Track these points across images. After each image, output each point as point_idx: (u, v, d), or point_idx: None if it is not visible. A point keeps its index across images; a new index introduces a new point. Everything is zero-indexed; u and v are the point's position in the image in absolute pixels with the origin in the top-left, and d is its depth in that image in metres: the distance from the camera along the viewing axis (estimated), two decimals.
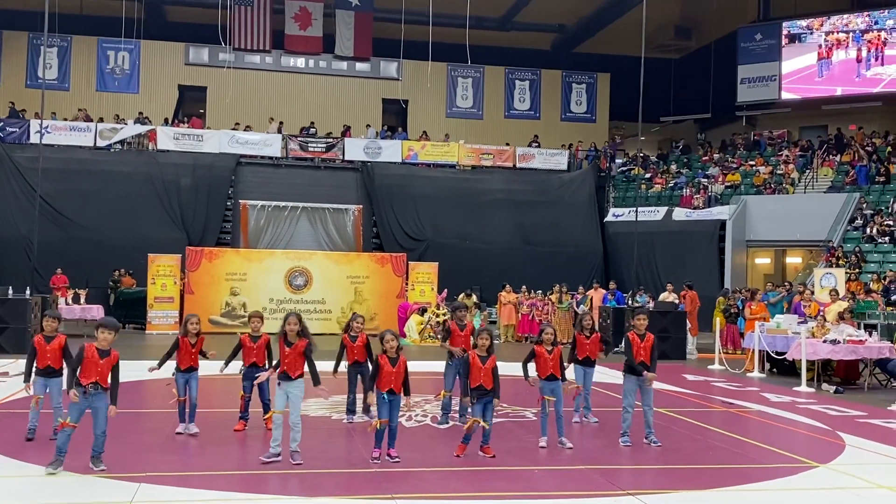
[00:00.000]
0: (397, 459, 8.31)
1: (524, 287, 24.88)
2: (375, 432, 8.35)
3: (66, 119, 32.19)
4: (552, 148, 35.52)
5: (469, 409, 8.93)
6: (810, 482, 8.14)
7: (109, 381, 7.83)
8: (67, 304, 22.21)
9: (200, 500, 7.09)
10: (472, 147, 34.65)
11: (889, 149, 31.54)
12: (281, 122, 34.37)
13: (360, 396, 9.85)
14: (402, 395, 8.34)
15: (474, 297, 24.18)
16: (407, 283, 25.39)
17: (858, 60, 34.10)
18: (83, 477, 7.57)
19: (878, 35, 33.79)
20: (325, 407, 11.50)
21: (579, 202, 33.31)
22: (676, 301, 21.67)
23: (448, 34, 33.68)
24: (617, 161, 36.75)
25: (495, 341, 24.42)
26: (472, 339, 10.51)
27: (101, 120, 32.91)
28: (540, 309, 23.87)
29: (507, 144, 35.22)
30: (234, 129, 33.17)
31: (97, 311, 23.14)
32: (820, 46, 34.98)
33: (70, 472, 7.67)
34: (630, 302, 22.78)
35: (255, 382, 9.14)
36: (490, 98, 39.10)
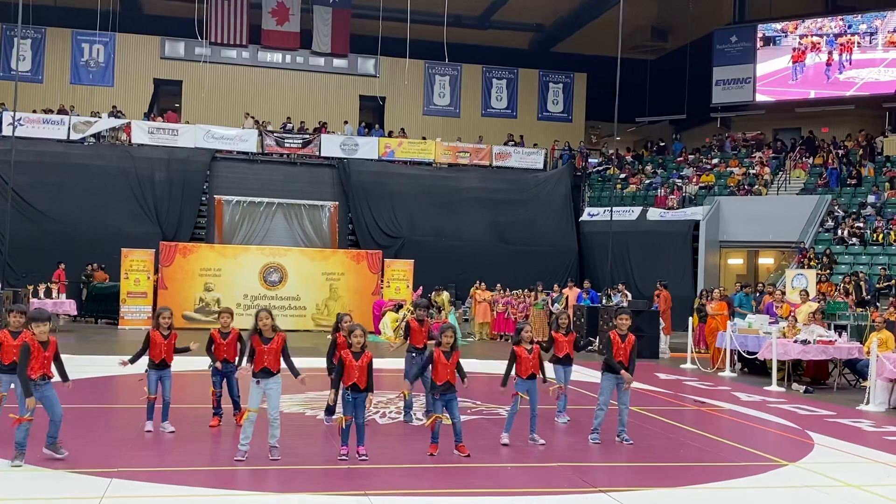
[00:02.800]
0: (365, 457, 8.27)
1: (499, 285, 24.93)
2: (341, 430, 8.33)
3: (35, 111, 31.79)
4: (528, 147, 35.63)
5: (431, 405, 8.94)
6: (780, 480, 8.24)
7: (54, 368, 7.93)
8: (39, 297, 22.00)
9: (172, 495, 7.05)
10: (449, 145, 34.67)
11: (860, 152, 31.90)
12: (260, 121, 34.18)
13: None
14: (366, 391, 8.30)
15: (445, 294, 24.17)
16: (382, 281, 25.36)
17: (831, 64, 34.47)
18: (54, 472, 7.52)
19: (851, 39, 34.17)
20: (298, 403, 11.49)
21: (555, 201, 33.43)
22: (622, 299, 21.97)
23: (426, 32, 33.67)
24: (592, 161, 36.92)
25: (470, 339, 24.30)
26: (429, 335, 10.56)
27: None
28: (515, 307, 23.93)
29: (480, 138, 35.29)
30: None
31: (69, 306, 22.97)
32: (794, 49, 35.32)
33: (39, 468, 7.62)
34: (604, 301, 22.90)
35: (237, 376, 9.13)
36: (467, 96, 39.15)
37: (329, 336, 10.01)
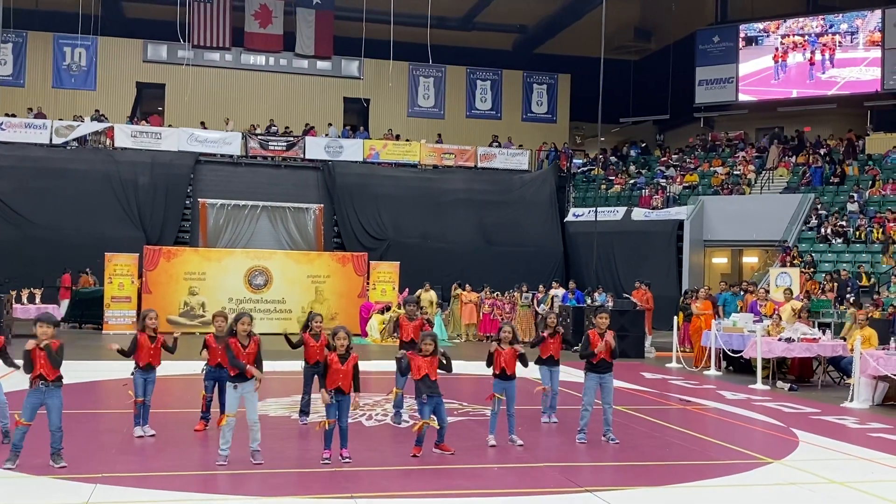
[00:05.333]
0: (348, 459, 8.25)
1: (485, 286, 24.92)
2: (324, 433, 8.31)
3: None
4: (513, 148, 35.68)
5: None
6: (765, 478, 8.27)
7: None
8: (22, 303, 21.87)
9: (158, 500, 7.02)
10: (434, 146, 34.67)
11: (842, 149, 32.09)
12: (251, 126, 34.06)
13: (315, 397, 9.73)
14: (350, 393, 8.30)
15: (432, 293, 24.15)
16: (368, 283, 25.31)
17: (813, 63, 34.69)
18: (37, 478, 7.47)
19: (833, 38, 34.41)
20: (283, 407, 11.45)
21: (540, 202, 33.45)
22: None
23: (409, 33, 33.64)
24: (577, 161, 36.99)
25: (456, 340, 24.24)
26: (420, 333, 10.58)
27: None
28: (501, 308, 23.95)
29: (463, 143, 35.40)
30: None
31: (53, 311, 22.80)
32: (776, 49, 35.53)
33: (24, 473, 7.57)
34: (589, 301, 22.95)
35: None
36: (451, 98, 39.16)
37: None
